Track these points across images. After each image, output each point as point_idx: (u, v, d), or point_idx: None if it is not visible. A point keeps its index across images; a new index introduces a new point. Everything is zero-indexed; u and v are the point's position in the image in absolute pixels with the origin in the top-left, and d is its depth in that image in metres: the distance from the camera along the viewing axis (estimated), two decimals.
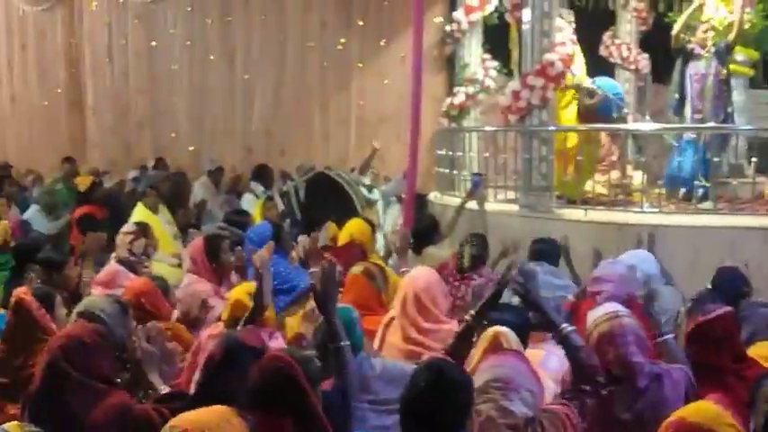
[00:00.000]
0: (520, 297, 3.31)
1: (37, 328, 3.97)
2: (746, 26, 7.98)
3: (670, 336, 3.60)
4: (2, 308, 5.06)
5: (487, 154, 8.51)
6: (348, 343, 3.25)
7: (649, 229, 5.87)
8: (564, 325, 3.15)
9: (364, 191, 8.78)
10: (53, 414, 3.04)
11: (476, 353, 3.25)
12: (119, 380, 3.37)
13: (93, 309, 3.70)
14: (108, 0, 11.80)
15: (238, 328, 3.77)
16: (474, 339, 3.33)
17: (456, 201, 7.61)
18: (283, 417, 2.58)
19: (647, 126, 9.16)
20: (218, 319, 4.34)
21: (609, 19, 11.17)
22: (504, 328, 3.31)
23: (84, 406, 3.07)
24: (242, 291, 4.10)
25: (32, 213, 8.57)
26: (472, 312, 3.34)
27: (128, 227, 6.27)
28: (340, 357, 3.21)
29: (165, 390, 3.41)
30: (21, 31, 12.06)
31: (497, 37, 9.98)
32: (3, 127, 12.23)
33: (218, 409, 2.55)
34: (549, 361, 3.56)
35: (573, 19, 8.64)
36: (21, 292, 4.10)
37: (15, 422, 2.83)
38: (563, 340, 3.12)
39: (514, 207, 7.59)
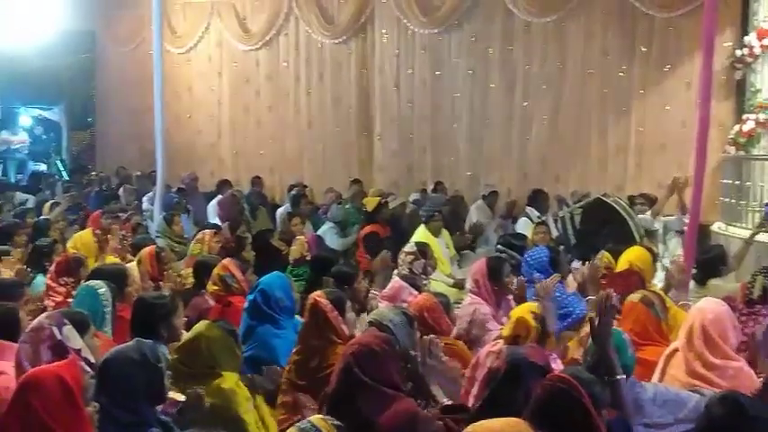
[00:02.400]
0: None
1: (330, 328, 4.34)
2: None
3: None
4: (300, 315, 5.56)
5: None
6: (623, 376, 3.23)
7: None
8: None
9: (644, 218, 8.56)
10: (347, 415, 3.28)
11: None
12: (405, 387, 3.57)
13: (383, 319, 3.96)
14: (398, 32, 12.47)
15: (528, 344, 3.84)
16: None
17: (743, 232, 7.23)
18: None
19: None
20: (497, 338, 4.47)
21: None
22: None
23: (374, 409, 3.27)
24: (525, 309, 4.17)
25: (325, 230, 9.26)
26: None
27: (409, 247, 6.59)
28: (616, 391, 3.19)
29: (446, 402, 3.56)
30: (319, 62, 13.13)
31: None
32: (300, 150, 13.36)
33: (512, 421, 2.63)
34: None
35: None
36: (316, 294, 4.49)
37: (319, 416, 3.12)
38: None
39: None
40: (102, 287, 4.69)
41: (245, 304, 5.11)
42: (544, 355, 3.39)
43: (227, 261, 5.84)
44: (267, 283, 5.07)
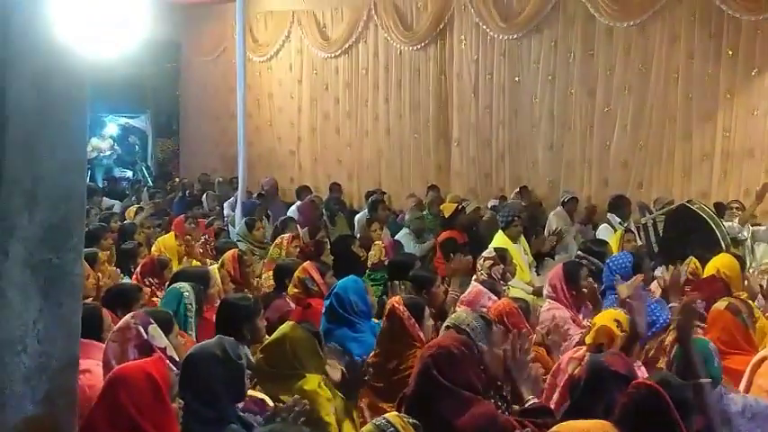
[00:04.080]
0: None
1: (407, 334, 4.36)
2: None
3: None
4: (377, 318, 5.61)
5: None
6: (708, 380, 3.16)
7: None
8: None
9: (732, 225, 8.34)
10: (425, 417, 3.29)
11: None
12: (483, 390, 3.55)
13: (461, 323, 3.97)
14: (477, 38, 12.44)
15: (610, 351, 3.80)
16: None
17: None
18: None
19: None
20: (578, 344, 4.42)
21: None
22: None
23: (452, 412, 3.28)
24: (608, 316, 4.12)
25: (403, 236, 9.30)
26: None
27: (488, 252, 6.58)
28: (700, 395, 3.13)
29: (532, 401, 3.53)
30: (398, 68, 13.21)
31: None
32: (378, 156, 13.46)
33: (599, 423, 2.64)
34: None
35: None
36: (394, 300, 4.53)
37: (395, 413, 3.14)
38: None
39: None
40: (186, 289, 4.81)
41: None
42: (627, 363, 3.34)
43: (307, 264, 5.93)
44: (342, 287, 5.14)
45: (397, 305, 4.43)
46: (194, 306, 4.75)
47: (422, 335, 4.39)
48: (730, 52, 10.81)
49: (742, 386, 3.89)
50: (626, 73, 11.44)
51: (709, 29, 10.90)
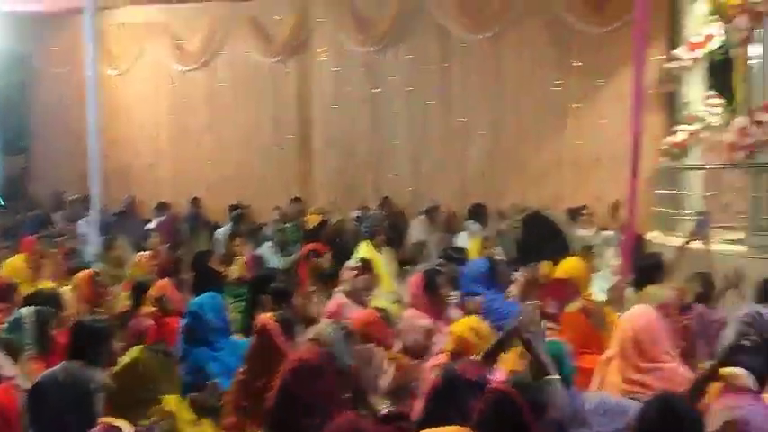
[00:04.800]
0: (753, 346, 3.19)
1: (277, 351, 4.29)
2: None
3: None
4: (240, 334, 5.52)
5: (711, 193, 8.19)
6: (557, 377, 3.26)
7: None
8: None
9: (582, 233, 8.72)
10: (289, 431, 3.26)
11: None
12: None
13: (321, 335, 3.95)
14: (336, 50, 12.53)
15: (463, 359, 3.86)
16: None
17: (676, 241, 7.38)
18: None
19: None
20: (439, 351, 4.48)
21: None
22: (740, 370, 3.21)
23: (315, 424, 3.27)
24: (466, 325, 4.19)
25: (265, 250, 9.21)
26: (713, 362, 3.24)
27: (352, 262, 6.60)
28: (551, 394, 3.22)
29: (386, 410, 3.56)
30: (257, 81, 13.07)
31: (721, 73, 9.62)
32: (240, 170, 13.27)
33: (456, 428, 2.67)
34: None
35: None
36: (265, 317, 4.44)
37: None
38: None
39: (741, 248, 7.26)
40: (31, 313, 4.57)
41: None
42: (481, 369, 3.39)
43: (163, 282, 5.79)
44: (198, 304, 5.04)
45: (267, 322, 4.36)
46: (42, 330, 4.51)
47: (291, 351, 4.33)
48: (578, 63, 11.32)
49: (595, 384, 4.04)
50: (481, 84, 11.80)
51: (558, 41, 11.40)
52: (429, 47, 12.05)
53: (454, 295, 5.68)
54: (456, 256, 6.87)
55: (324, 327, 4.13)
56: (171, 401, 3.72)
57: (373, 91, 12.37)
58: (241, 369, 4.37)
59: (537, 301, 3.70)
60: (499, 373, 4.03)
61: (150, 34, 13.68)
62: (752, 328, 3.13)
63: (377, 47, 12.27)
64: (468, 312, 5.32)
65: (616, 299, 5.73)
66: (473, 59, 11.85)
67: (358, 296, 6.04)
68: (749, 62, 7.42)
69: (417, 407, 3.95)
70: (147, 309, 5.64)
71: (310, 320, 5.41)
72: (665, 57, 10.34)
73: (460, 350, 3.98)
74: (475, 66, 11.86)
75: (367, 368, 3.67)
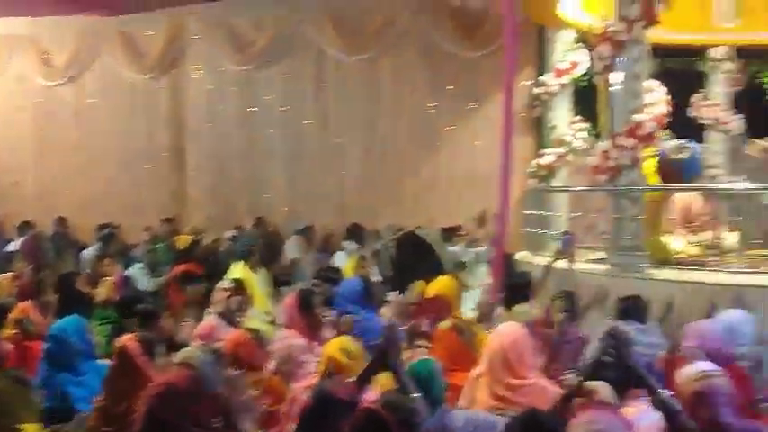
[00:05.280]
0: (613, 361, 3.32)
1: (139, 374, 4.16)
2: None
3: None
4: (107, 358, 5.32)
5: (576, 214, 8.51)
6: (419, 395, 3.30)
7: (739, 290, 5.73)
8: (660, 389, 3.18)
9: (456, 249, 8.88)
10: None
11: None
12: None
13: (190, 358, 3.85)
14: (211, 67, 12.38)
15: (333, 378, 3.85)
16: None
17: (543, 260, 7.62)
18: None
19: (740, 186, 9.02)
20: (312, 372, 4.46)
21: (699, 80, 11.13)
22: (599, 383, 3.32)
23: None
24: (336, 346, 4.18)
25: (136, 271, 8.94)
26: (578, 378, 3.34)
27: (224, 283, 6.49)
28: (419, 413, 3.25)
29: None
30: (129, 96, 12.79)
31: (585, 99, 10.04)
32: (110, 188, 12.88)
33: None
34: (643, 418, 3.53)
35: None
36: (125, 339, 4.30)
37: None
38: (661, 404, 3.14)
39: (603, 267, 7.55)
40: None
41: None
42: (352, 389, 3.39)
43: (24, 304, 5.54)
44: (60, 327, 4.87)
45: (128, 342, 4.22)
46: None
47: (153, 373, 4.20)
48: (451, 87, 11.58)
49: (464, 401, 4.10)
50: (357, 105, 11.90)
51: (431, 65, 11.64)
52: (305, 67, 12.08)
53: (329, 315, 5.67)
54: (331, 275, 6.87)
55: (193, 350, 4.04)
56: (31, 430, 3.56)
57: (249, 110, 12.27)
58: (100, 395, 4.21)
59: (412, 321, 3.74)
60: (371, 393, 4.06)
61: (15, 47, 13.15)
62: (612, 345, 3.26)
63: (253, 65, 12.21)
64: (340, 332, 5.32)
65: (485, 316, 5.86)
66: (349, 81, 11.95)
67: (230, 317, 5.95)
68: (611, 89, 7.74)
69: (289, 429, 3.92)
70: (8, 332, 5.38)
71: (180, 343, 5.29)
72: (533, 82, 10.71)
73: (332, 371, 3.97)
74: (351, 87, 11.95)
75: (237, 393, 3.60)
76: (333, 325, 5.63)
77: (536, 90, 10.33)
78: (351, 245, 9.93)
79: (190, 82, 12.51)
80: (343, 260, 9.20)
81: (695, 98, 10.95)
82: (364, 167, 11.97)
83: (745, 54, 10.82)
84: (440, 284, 5.90)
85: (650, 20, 7.39)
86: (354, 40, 11.79)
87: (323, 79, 12.01)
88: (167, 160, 12.70)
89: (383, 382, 4.57)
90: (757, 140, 9.42)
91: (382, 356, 3.39)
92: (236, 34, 12.27)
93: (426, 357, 3.88)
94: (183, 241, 9.49)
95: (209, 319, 5.98)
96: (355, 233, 10.26)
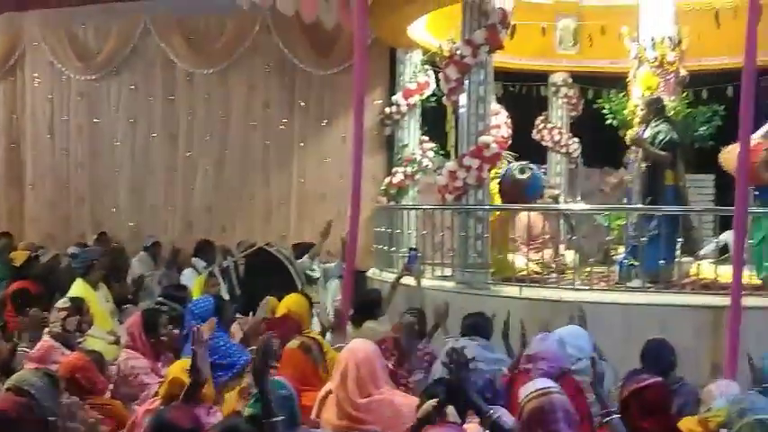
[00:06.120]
0: (450, 383, 3.40)
1: None
2: (671, 113, 8.36)
3: (616, 416, 3.56)
4: None
5: (425, 231, 8.69)
6: (281, 418, 3.26)
7: (580, 306, 5.99)
8: (491, 411, 3.27)
9: (306, 266, 8.86)
10: None
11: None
12: None
13: (22, 383, 3.64)
14: (51, 76, 11.88)
15: (174, 404, 3.74)
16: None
17: (392, 277, 7.71)
18: None
19: (578, 206, 9.48)
20: (155, 395, 4.31)
21: (541, 104, 11.63)
22: (445, 402, 3.37)
23: None
24: (180, 367, 4.06)
25: None
26: (433, 402, 3.37)
27: (61, 303, 6.18)
28: None
29: None
30: None
31: (435, 119, 10.29)
32: None
33: None
34: None
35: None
36: None
37: None
38: (492, 427, 3.23)
39: (450, 284, 7.73)
40: None
41: None
42: (192, 415, 3.29)
43: None
44: None
45: None
46: None
47: None
48: (303, 103, 11.60)
49: (312, 419, 4.06)
50: (207, 119, 11.73)
51: (283, 81, 11.63)
52: (153, 78, 11.82)
53: (176, 335, 5.50)
54: (178, 294, 6.67)
55: (26, 374, 3.84)
56: None
57: (94, 120, 11.84)
58: None
59: (273, 335, 3.69)
60: (216, 416, 3.96)
61: None
62: (451, 365, 3.33)
63: (97, 75, 11.82)
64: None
65: (334, 333, 5.86)
66: (199, 94, 11.76)
67: (67, 339, 5.66)
68: (459, 110, 7.96)
69: None
70: None
71: (14, 368, 5.00)
72: (384, 101, 10.87)
73: (176, 393, 3.84)
74: (202, 100, 11.76)
75: (74, 419, 3.43)
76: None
77: (387, 109, 10.48)
78: (199, 262, 9.71)
79: (28, 90, 11.94)
80: (191, 277, 8.98)
81: (538, 121, 11.45)
82: (214, 182, 11.79)
83: (582, 80, 11.40)
84: (290, 302, 5.84)
85: (495, 45, 7.67)
86: (205, 51, 11.62)
87: (171, 91, 11.75)
88: (3, 172, 12.06)
89: (229, 403, 4.50)
90: (613, 170, 9.90)
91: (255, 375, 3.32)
92: (78, 42, 11.85)
93: (279, 379, 3.82)
94: (18, 258, 9.00)
95: (44, 341, 5.67)
96: (204, 250, 10.03)
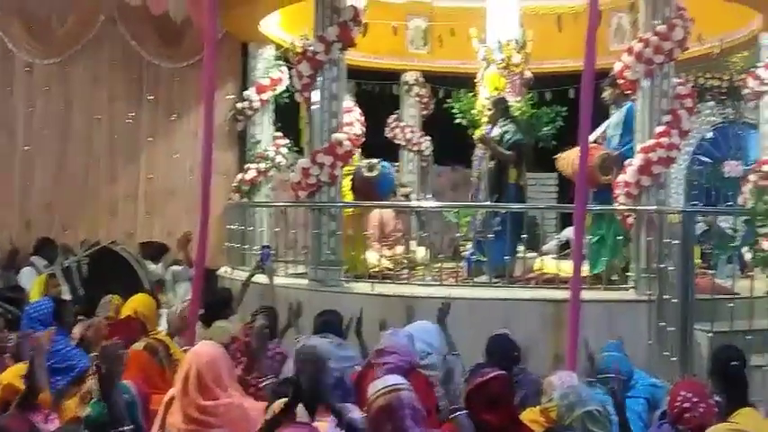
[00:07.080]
0: (297, 383, 3.38)
1: None
2: (517, 113, 8.66)
3: (463, 413, 3.58)
4: None
5: (278, 229, 8.61)
6: (131, 427, 3.15)
7: (427, 301, 6.08)
8: (342, 410, 3.30)
9: (153, 267, 8.62)
10: None
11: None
12: None
13: None
14: None
15: (10, 411, 3.55)
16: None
17: (244, 275, 7.60)
18: None
19: (429, 204, 9.65)
20: None
21: (394, 103, 11.78)
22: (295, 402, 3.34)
23: None
24: (14, 373, 3.87)
25: None
26: (283, 403, 3.33)
27: None
28: None
29: None
30: None
31: (288, 115, 10.22)
32: None
33: None
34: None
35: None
36: None
37: None
38: (344, 425, 3.26)
39: (304, 281, 7.70)
40: None
41: None
42: (27, 422, 3.14)
43: None
44: None
45: None
46: None
47: None
48: (151, 97, 11.26)
49: (156, 426, 3.92)
50: (47, 112, 11.19)
51: (130, 73, 11.24)
52: None
53: (12, 339, 5.22)
54: (14, 296, 6.34)
55: None
56: None
57: None
58: None
59: (119, 341, 3.55)
60: (55, 423, 3.78)
61: None
62: (301, 364, 3.31)
63: None
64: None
65: (178, 333, 5.71)
66: (39, 85, 11.18)
67: None
68: (312, 107, 7.94)
69: None
70: None
71: None
72: (236, 96, 10.69)
73: (9, 400, 3.64)
74: (41, 92, 11.19)
75: None
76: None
77: (239, 104, 10.32)
78: (40, 260, 9.26)
79: None
80: (30, 278, 8.55)
81: (390, 119, 11.59)
82: (56, 178, 11.24)
83: (433, 80, 11.63)
84: (135, 302, 5.66)
85: (347, 42, 7.70)
86: (46, 41, 11.07)
87: (9, 83, 11.12)
88: None
89: (70, 410, 4.30)
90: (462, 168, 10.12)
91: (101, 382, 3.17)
92: None
93: (125, 383, 3.67)
94: None
95: None
96: (44, 248, 9.58)
